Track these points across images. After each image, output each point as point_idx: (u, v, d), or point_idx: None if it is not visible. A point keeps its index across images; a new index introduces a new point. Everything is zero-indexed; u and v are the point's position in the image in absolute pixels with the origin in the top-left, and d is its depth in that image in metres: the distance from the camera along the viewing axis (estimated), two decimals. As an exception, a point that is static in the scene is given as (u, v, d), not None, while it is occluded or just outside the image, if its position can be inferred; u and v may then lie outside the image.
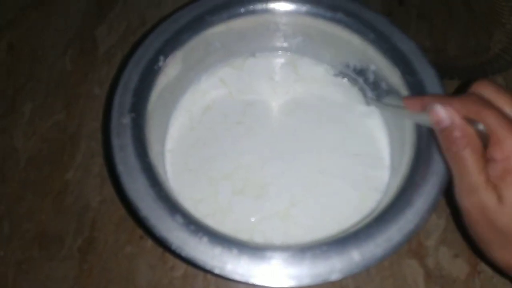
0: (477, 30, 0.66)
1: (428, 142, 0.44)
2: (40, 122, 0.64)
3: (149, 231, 0.41)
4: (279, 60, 0.60)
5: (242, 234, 0.48)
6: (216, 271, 0.39)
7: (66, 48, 0.69)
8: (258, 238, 0.49)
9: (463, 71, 0.61)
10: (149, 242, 0.55)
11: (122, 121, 0.46)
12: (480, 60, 0.62)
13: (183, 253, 0.39)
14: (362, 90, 0.56)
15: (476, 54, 0.63)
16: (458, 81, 0.62)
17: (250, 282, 0.39)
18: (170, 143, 0.55)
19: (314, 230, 0.48)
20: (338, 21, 0.52)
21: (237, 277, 0.39)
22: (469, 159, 0.36)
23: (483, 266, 0.53)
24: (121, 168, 0.43)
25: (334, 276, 0.38)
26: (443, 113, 0.38)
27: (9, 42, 0.70)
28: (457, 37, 0.66)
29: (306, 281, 0.38)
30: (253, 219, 0.50)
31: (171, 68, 0.51)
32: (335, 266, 0.39)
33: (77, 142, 0.62)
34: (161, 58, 0.50)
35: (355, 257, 0.39)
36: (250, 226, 0.50)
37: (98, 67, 0.68)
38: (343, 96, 0.57)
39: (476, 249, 0.47)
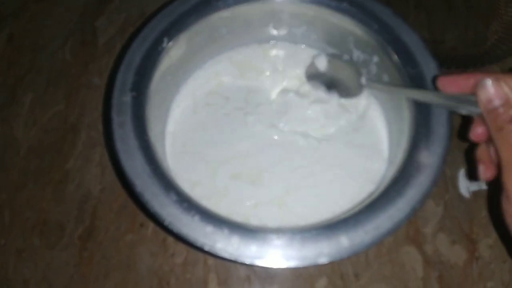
0: (475, 21, 0.67)
1: (424, 134, 0.44)
2: (41, 112, 0.64)
3: (144, 209, 0.41)
4: (283, 49, 0.61)
5: (236, 218, 0.48)
6: (206, 248, 0.39)
7: (67, 39, 0.70)
8: (253, 222, 0.50)
9: (460, 61, 0.62)
10: (150, 230, 0.55)
11: (123, 99, 0.46)
12: (478, 50, 0.63)
13: (175, 229, 0.40)
14: (358, 72, 0.56)
15: (474, 45, 0.64)
16: (456, 70, 0.62)
17: (239, 261, 0.39)
18: (171, 125, 0.56)
19: (308, 217, 0.48)
20: (343, 11, 0.52)
21: (226, 255, 0.39)
22: None
23: (481, 252, 0.53)
24: (119, 144, 0.44)
25: (322, 260, 0.39)
26: (497, 90, 0.35)
27: (10, 33, 0.71)
28: (455, 28, 0.67)
29: (294, 262, 0.39)
30: (248, 203, 0.51)
31: (175, 50, 0.52)
32: (323, 250, 0.39)
33: (78, 132, 0.62)
34: (165, 39, 0.50)
35: (344, 242, 0.39)
36: (245, 211, 0.50)
37: (98, 58, 0.68)
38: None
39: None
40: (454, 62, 0.61)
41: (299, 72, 0.59)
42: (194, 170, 0.53)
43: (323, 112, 0.56)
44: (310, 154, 0.53)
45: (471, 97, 0.38)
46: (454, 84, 0.42)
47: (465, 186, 0.57)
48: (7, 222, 0.57)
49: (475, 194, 0.56)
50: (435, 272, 0.52)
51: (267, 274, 0.53)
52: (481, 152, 0.42)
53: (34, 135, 0.62)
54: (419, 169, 0.43)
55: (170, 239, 0.55)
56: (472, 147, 0.45)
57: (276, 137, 0.55)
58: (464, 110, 0.40)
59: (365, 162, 0.53)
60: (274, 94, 0.58)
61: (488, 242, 0.54)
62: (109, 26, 0.71)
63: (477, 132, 0.41)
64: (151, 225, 0.56)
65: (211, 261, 0.54)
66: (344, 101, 0.56)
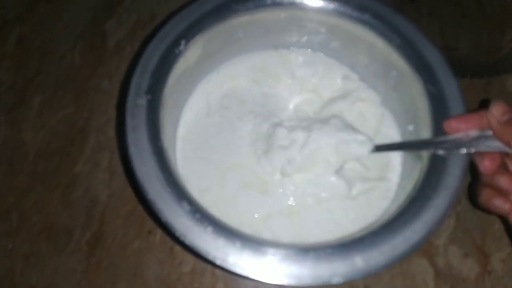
0: (489, 28, 0.66)
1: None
2: (49, 115, 0.63)
3: (154, 216, 0.41)
4: (301, 57, 0.60)
5: (245, 228, 0.48)
6: (218, 262, 0.39)
7: (76, 42, 0.69)
8: (266, 235, 0.49)
9: (475, 70, 0.61)
10: (158, 237, 0.55)
11: (138, 101, 0.45)
12: (493, 58, 0.62)
13: (187, 241, 0.39)
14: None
15: (488, 53, 0.63)
16: (470, 79, 0.61)
17: (250, 277, 0.39)
18: (183, 129, 0.54)
19: (320, 230, 0.48)
20: (364, 22, 0.51)
21: (238, 270, 0.38)
22: None
23: (493, 266, 0.52)
24: (132, 149, 0.43)
25: (336, 280, 0.38)
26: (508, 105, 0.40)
27: (19, 36, 0.70)
28: (469, 35, 0.66)
29: (307, 281, 0.38)
30: (258, 214, 0.50)
31: (192, 53, 0.51)
32: (337, 269, 0.38)
33: (86, 136, 0.62)
34: (183, 42, 0.49)
35: (358, 262, 0.38)
36: (256, 222, 0.49)
37: (107, 61, 0.67)
38: (362, 102, 0.56)
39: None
40: (468, 70, 0.60)
41: (315, 81, 0.58)
42: (204, 176, 0.52)
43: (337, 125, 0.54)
44: (323, 166, 0.52)
45: (482, 133, 0.41)
46: (466, 122, 0.43)
47: (478, 198, 0.56)
48: (14, 226, 0.56)
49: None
50: (446, 285, 0.52)
51: (275, 285, 0.52)
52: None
53: (42, 138, 0.62)
54: (437, 190, 0.42)
55: (178, 247, 0.54)
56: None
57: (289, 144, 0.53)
58: (472, 148, 0.42)
59: (377, 176, 0.52)
60: (289, 101, 0.57)
61: (501, 255, 0.53)
62: (118, 29, 0.70)
63: (485, 164, 0.41)
64: (159, 232, 0.55)
65: (219, 270, 0.53)
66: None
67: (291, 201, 0.50)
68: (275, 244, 0.40)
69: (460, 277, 0.52)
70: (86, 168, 0.59)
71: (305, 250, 0.39)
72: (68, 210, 0.57)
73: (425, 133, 0.47)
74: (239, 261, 0.39)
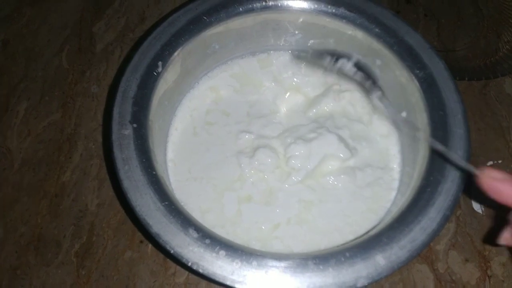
0: (486, 30, 0.65)
1: (444, 137, 0.43)
2: (35, 122, 0.62)
3: (162, 247, 0.39)
4: (280, 59, 0.58)
5: (253, 243, 0.46)
6: (238, 286, 0.37)
7: (63, 46, 0.67)
8: (277, 246, 0.47)
9: (472, 72, 0.60)
10: (150, 247, 0.53)
11: (123, 132, 0.43)
12: (490, 60, 0.61)
13: (201, 269, 0.37)
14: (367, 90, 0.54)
15: (485, 55, 0.62)
16: (468, 82, 0.60)
17: None
18: (172, 152, 0.53)
19: (332, 233, 0.47)
20: (341, 17, 0.51)
21: None
22: None
23: (493, 270, 0.51)
24: (127, 183, 0.41)
25: (361, 283, 0.37)
26: None
27: (4, 39, 0.68)
28: (466, 37, 0.65)
29: None
30: (265, 226, 0.48)
31: (170, 73, 0.49)
32: (360, 272, 0.37)
33: (74, 143, 0.60)
34: (160, 63, 0.48)
35: (380, 261, 0.37)
36: (264, 235, 0.48)
37: (95, 65, 0.66)
38: (350, 95, 0.55)
39: None
40: (466, 72, 0.59)
41: (298, 81, 0.57)
42: (202, 197, 0.50)
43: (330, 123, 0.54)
44: (321, 168, 0.51)
45: None
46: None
47: (477, 202, 0.55)
48: (0, 238, 0.54)
49: (487, 210, 0.54)
50: (447, 291, 0.51)
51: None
52: None
53: (28, 146, 0.60)
54: (444, 174, 0.41)
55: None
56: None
57: (284, 152, 0.52)
58: None
59: (376, 170, 0.51)
60: (276, 106, 0.56)
61: (502, 259, 0.52)
62: (107, 32, 0.69)
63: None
64: (151, 242, 0.53)
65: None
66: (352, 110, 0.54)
67: (297, 208, 0.49)
68: (292, 257, 0.38)
69: (461, 282, 0.51)
70: (75, 177, 0.58)
71: (325, 258, 0.38)
72: (56, 221, 0.55)
73: (420, 117, 0.46)
74: (259, 280, 0.37)
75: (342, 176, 0.50)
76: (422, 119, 0.46)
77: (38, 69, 0.65)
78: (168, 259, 0.52)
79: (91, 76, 0.65)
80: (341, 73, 0.47)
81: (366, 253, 0.38)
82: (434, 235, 0.39)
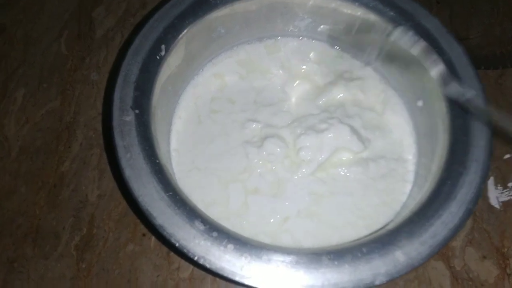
0: (501, 17, 0.62)
1: (464, 126, 0.41)
2: (34, 109, 0.59)
3: (147, 221, 0.37)
4: (289, 45, 0.56)
5: (261, 237, 0.44)
6: (247, 282, 0.35)
7: (62, 31, 0.65)
8: (286, 240, 0.45)
9: (488, 60, 0.58)
10: (153, 240, 0.51)
11: (125, 118, 0.41)
12: (506, 49, 0.59)
13: (208, 264, 0.35)
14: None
15: (501, 43, 0.60)
16: (483, 71, 0.58)
17: None
18: (175, 141, 0.50)
19: (344, 227, 0.45)
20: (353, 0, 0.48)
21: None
22: None
23: (512, 268, 0.49)
24: (128, 172, 0.38)
25: (379, 280, 0.35)
26: None
27: (1, 24, 0.66)
28: (480, 24, 0.63)
29: (348, 286, 0.34)
30: (274, 219, 0.46)
31: (174, 57, 0.47)
32: (379, 269, 0.35)
33: (74, 131, 0.58)
34: (163, 47, 0.45)
35: (400, 257, 0.35)
36: (273, 228, 0.46)
37: (95, 51, 0.63)
38: (362, 83, 0.53)
39: None
40: (481, 61, 0.57)
41: (307, 68, 0.55)
42: (206, 189, 0.47)
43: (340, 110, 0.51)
44: (331, 158, 0.49)
45: None
46: None
47: (495, 196, 0.53)
48: (-4, 230, 0.52)
49: (505, 204, 0.52)
50: (463, 289, 0.48)
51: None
52: None
53: (26, 134, 0.58)
54: (466, 165, 0.39)
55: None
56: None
57: (292, 141, 0.50)
58: None
59: (390, 162, 0.49)
60: (284, 93, 0.53)
61: (520, 257, 0.50)
62: (107, 17, 0.66)
63: None
64: (154, 235, 0.51)
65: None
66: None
67: (307, 201, 0.47)
68: (305, 252, 0.36)
69: (478, 280, 0.49)
70: (74, 167, 0.56)
71: (340, 254, 0.36)
72: (55, 212, 0.53)
73: (438, 106, 0.44)
74: (270, 276, 0.35)
75: (354, 167, 0.48)
76: (440, 107, 0.43)
77: (37, 55, 0.63)
78: (172, 253, 0.50)
79: (90, 62, 0.63)
80: (393, 50, 0.44)
81: (385, 249, 0.36)
82: (456, 231, 0.37)
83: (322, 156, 0.48)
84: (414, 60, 0.43)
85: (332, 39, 0.54)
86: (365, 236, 0.40)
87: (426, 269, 0.49)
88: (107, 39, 0.64)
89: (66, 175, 0.55)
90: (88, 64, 0.62)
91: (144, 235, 0.51)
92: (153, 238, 0.51)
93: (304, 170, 0.48)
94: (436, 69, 0.42)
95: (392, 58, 0.48)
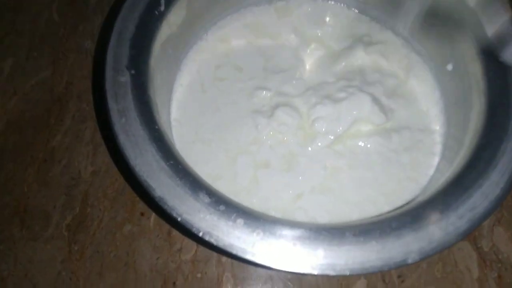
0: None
1: (504, 87, 0.37)
2: (22, 80, 0.56)
3: (147, 198, 0.32)
4: (302, 7, 0.52)
5: (275, 214, 0.40)
6: (260, 261, 0.31)
7: (53, -3, 0.61)
8: (299, 217, 0.41)
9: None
10: (152, 220, 0.47)
11: (119, 79, 0.37)
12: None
13: (214, 241, 0.31)
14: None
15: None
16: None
17: (306, 273, 0.31)
18: (176, 111, 0.47)
19: (363, 203, 0.41)
20: None
21: (289, 268, 0.31)
22: None
23: (545, 250, 0.45)
24: (123, 139, 0.34)
25: (411, 259, 0.31)
26: None
27: (-14, -11, 0.61)
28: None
29: (376, 265, 0.30)
30: (286, 195, 0.42)
31: (175, 15, 0.43)
32: (411, 246, 0.31)
33: (66, 104, 0.54)
34: (162, 1, 0.41)
35: (435, 233, 0.31)
36: (285, 205, 0.42)
37: (89, 18, 0.60)
38: (383, 47, 0.48)
39: None
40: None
41: (322, 33, 0.51)
42: (211, 162, 0.44)
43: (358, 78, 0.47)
44: (349, 129, 0.45)
45: None
46: None
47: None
48: (-19, 209, 0.49)
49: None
50: (492, 272, 0.45)
51: (293, 274, 0.44)
52: None
53: (14, 107, 0.54)
54: (507, 130, 0.35)
55: (177, 231, 0.46)
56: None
57: (305, 112, 0.46)
58: None
59: (414, 132, 0.45)
60: (298, 59, 0.49)
61: (553, 237, 0.46)
62: (103, -18, 0.62)
63: None
64: (153, 214, 0.48)
65: (225, 257, 0.45)
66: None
67: (322, 175, 0.43)
68: (326, 227, 0.32)
69: (508, 262, 0.45)
70: (66, 141, 0.52)
71: (366, 229, 0.31)
72: (44, 190, 0.49)
73: (473, 67, 0.40)
74: (286, 255, 0.31)
75: (375, 138, 0.44)
76: (475, 69, 0.39)
77: (26, 22, 0.59)
78: (173, 234, 0.46)
79: (84, 30, 0.59)
80: (434, 7, 0.40)
81: (417, 223, 0.32)
82: (498, 203, 0.33)
83: (340, 129, 0.44)
84: (456, 17, 0.39)
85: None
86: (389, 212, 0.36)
87: (452, 250, 0.46)
88: (102, 4, 0.61)
89: (57, 150, 0.51)
90: (81, 32, 0.59)
91: (142, 214, 0.47)
92: (152, 217, 0.47)
93: (319, 143, 0.44)
94: (500, 21, 0.37)
95: (431, 17, 0.43)
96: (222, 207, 0.32)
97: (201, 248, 0.46)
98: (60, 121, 0.53)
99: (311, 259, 0.31)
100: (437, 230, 0.31)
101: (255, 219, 0.32)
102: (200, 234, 0.32)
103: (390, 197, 0.42)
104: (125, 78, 0.37)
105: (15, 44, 0.58)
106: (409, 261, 0.31)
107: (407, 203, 0.40)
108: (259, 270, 0.45)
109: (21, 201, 0.49)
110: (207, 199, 0.32)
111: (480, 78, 0.38)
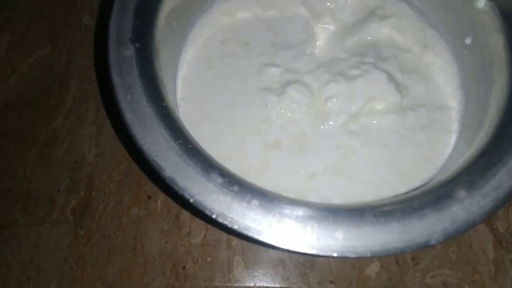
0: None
1: None
2: (20, 58, 0.54)
3: (155, 178, 0.31)
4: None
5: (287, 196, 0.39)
6: (276, 243, 0.30)
7: (50, -31, 0.59)
8: (312, 199, 0.40)
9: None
10: (160, 203, 0.46)
11: (123, 53, 0.35)
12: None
13: (229, 223, 0.30)
14: None
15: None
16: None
17: (327, 255, 0.30)
18: (182, 89, 0.45)
19: (378, 184, 0.40)
20: None
21: (308, 250, 0.30)
22: None
23: (562, 230, 0.44)
24: (130, 117, 0.33)
25: (435, 239, 0.30)
26: None
27: (-21, -38, 0.59)
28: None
29: (397, 247, 0.29)
30: (298, 177, 0.41)
31: None
32: (434, 226, 0.30)
33: (66, 83, 0.53)
34: None
35: (459, 212, 0.30)
36: (297, 186, 0.40)
37: (89, -8, 0.58)
38: (398, 21, 0.46)
39: None
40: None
41: (333, 4, 0.49)
42: (220, 142, 0.42)
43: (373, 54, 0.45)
44: (362, 106, 0.43)
45: None
46: None
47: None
48: (-18, 194, 0.47)
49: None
50: (508, 253, 0.44)
51: (305, 257, 0.43)
52: None
53: (12, 87, 0.53)
54: None
55: (185, 214, 0.45)
56: None
57: (317, 89, 0.44)
58: None
59: (430, 110, 0.44)
60: (305, 37, 0.47)
61: None
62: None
63: None
64: (161, 197, 0.46)
65: (236, 241, 0.44)
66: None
67: (335, 155, 0.41)
68: (346, 208, 0.31)
69: (525, 243, 0.44)
70: (68, 122, 0.51)
71: (387, 209, 0.30)
72: (47, 173, 0.48)
73: (494, 39, 0.38)
74: (304, 237, 0.30)
75: (389, 116, 0.42)
76: (496, 41, 0.37)
77: (22, -3, 0.57)
78: (181, 217, 0.45)
79: (83, 4, 0.58)
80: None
81: (440, 203, 0.31)
82: None
83: (354, 108, 0.43)
84: None
85: None
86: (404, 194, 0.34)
87: (466, 232, 0.44)
88: (101, -22, 0.58)
89: (59, 132, 0.50)
90: (80, 6, 0.58)
91: (149, 197, 0.46)
92: (159, 200, 0.46)
93: (331, 122, 0.42)
94: None
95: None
96: (235, 188, 0.31)
97: (211, 232, 0.45)
98: (61, 101, 0.51)
99: (330, 241, 0.30)
100: (461, 210, 0.30)
101: (270, 200, 0.31)
102: (214, 216, 0.30)
103: (405, 177, 0.40)
104: (130, 51, 0.35)
105: (11, 21, 0.56)
106: (432, 242, 0.30)
107: (423, 183, 0.39)
108: (270, 253, 0.44)
109: (24, 185, 0.47)
110: (220, 180, 0.31)
111: (502, 51, 0.37)
